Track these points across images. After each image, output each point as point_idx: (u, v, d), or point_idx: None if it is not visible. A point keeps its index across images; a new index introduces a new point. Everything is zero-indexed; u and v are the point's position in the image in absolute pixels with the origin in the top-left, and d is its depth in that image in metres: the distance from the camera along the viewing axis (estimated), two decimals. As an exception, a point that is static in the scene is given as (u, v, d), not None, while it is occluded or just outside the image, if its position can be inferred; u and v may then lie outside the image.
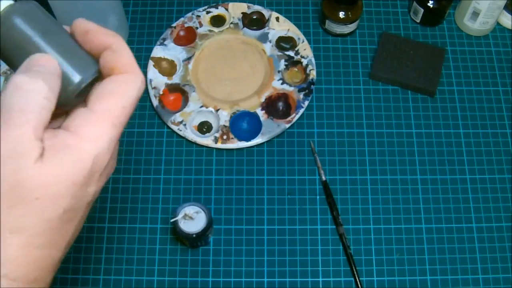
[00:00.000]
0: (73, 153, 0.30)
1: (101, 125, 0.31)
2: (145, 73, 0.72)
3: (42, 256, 0.30)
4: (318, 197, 0.65)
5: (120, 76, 0.32)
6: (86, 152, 0.30)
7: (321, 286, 0.61)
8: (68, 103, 0.33)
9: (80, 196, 0.31)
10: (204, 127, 0.68)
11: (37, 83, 0.29)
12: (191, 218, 0.56)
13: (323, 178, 0.65)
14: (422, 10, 0.74)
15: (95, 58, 0.33)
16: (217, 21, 0.76)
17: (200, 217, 0.57)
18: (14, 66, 0.33)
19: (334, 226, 0.63)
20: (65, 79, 0.32)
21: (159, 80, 0.70)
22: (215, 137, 0.67)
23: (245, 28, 0.74)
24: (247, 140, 0.67)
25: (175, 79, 0.71)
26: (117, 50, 0.32)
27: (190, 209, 0.57)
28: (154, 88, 0.70)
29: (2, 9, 0.32)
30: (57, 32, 0.34)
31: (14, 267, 0.29)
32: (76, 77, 0.32)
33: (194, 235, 0.56)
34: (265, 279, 0.61)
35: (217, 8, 0.76)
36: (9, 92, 0.29)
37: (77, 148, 0.30)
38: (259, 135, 0.67)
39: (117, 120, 0.31)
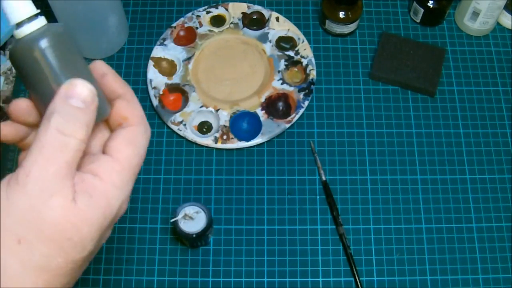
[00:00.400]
0: (105, 199, 0.31)
1: (125, 174, 0.32)
2: (145, 73, 0.72)
3: None
4: (318, 197, 0.65)
5: (136, 128, 0.34)
6: (115, 199, 0.31)
7: (321, 286, 0.61)
8: None
9: (101, 240, 0.32)
10: (204, 127, 0.68)
11: (75, 126, 0.30)
12: (191, 218, 0.56)
13: (323, 178, 0.65)
14: (422, 10, 0.74)
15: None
16: (217, 21, 0.76)
17: (200, 217, 0.57)
18: (30, 86, 0.32)
19: (334, 226, 0.63)
20: None
21: (159, 80, 0.70)
22: (215, 137, 0.67)
23: (245, 28, 0.74)
24: (247, 140, 0.67)
25: (175, 79, 0.71)
26: (131, 101, 0.34)
27: (190, 209, 0.57)
28: (154, 88, 0.70)
29: (36, 28, 0.31)
30: (83, 64, 0.33)
31: None
32: (97, 112, 0.32)
33: (194, 235, 0.56)
34: (265, 279, 0.61)
35: (217, 8, 0.76)
36: (48, 133, 0.29)
37: (107, 194, 0.31)
38: (259, 135, 0.67)
39: (137, 169, 0.33)
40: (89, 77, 0.33)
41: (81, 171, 0.32)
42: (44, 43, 0.31)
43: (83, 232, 0.30)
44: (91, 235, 0.30)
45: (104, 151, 0.33)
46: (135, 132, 0.34)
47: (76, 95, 0.30)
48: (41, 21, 0.32)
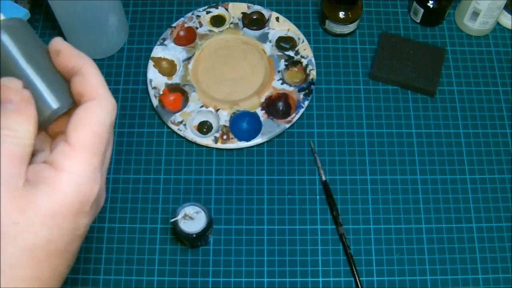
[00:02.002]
0: (51, 185, 0.30)
1: (77, 156, 0.30)
2: (145, 73, 0.72)
3: None
4: (318, 197, 0.65)
5: (89, 104, 0.31)
6: (65, 184, 0.30)
7: (321, 286, 0.61)
8: (42, 127, 0.33)
9: (69, 229, 0.30)
10: (204, 127, 0.68)
11: (12, 126, 0.30)
12: (191, 218, 0.56)
13: (323, 178, 0.65)
14: (422, 10, 0.74)
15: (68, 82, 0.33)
16: (217, 21, 0.76)
17: (200, 217, 0.57)
18: None
19: (334, 226, 0.64)
20: (43, 105, 0.32)
21: (159, 80, 0.70)
22: (215, 137, 0.67)
23: (245, 28, 0.74)
24: (247, 140, 0.67)
25: (175, 79, 0.71)
26: (85, 75, 0.32)
27: (190, 209, 0.57)
28: (154, 88, 0.70)
29: None
30: (40, 54, 0.33)
31: None
32: (54, 104, 0.32)
33: (194, 235, 0.56)
34: (265, 279, 0.61)
35: (217, 8, 0.76)
36: None
37: (54, 180, 0.30)
38: (259, 135, 0.67)
39: (93, 148, 0.31)
40: (47, 67, 0.33)
41: (40, 162, 0.31)
42: (2, 38, 0.31)
43: (27, 217, 0.29)
44: (40, 221, 0.29)
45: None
46: (88, 108, 0.31)
47: (6, 100, 0.30)
48: None
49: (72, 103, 0.33)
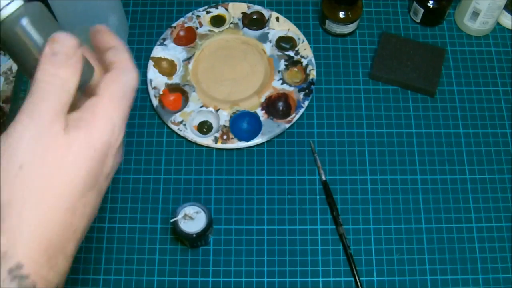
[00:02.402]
0: (91, 125, 0.34)
1: (109, 104, 0.35)
2: (145, 73, 0.72)
3: (65, 221, 0.32)
4: (318, 197, 0.65)
5: (119, 69, 0.38)
6: (102, 124, 0.34)
7: (321, 286, 0.61)
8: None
9: (101, 164, 0.34)
10: (204, 127, 0.68)
11: (60, 70, 0.34)
12: (191, 218, 0.56)
13: (323, 178, 0.65)
14: (422, 10, 0.74)
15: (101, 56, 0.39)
16: (217, 21, 0.76)
17: (200, 217, 0.57)
18: (19, 61, 0.36)
19: (334, 226, 0.63)
20: None
21: (159, 80, 0.70)
22: (215, 137, 0.67)
23: (245, 28, 0.74)
24: (247, 140, 0.67)
25: (175, 79, 0.71)
26: (118, 49, 0.40)
27: (190, 209, 0.57)
28: (154, 88, 0.70)
29: (13, 10, 0.34)
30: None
31: (40, 230, 0.31)
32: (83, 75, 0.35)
33: (194, 235, 0.56)
34: (265, 279, 0.61)
35: (217, 8, 0.76)
36: (37, 78, 0.33)
37: (93, 121, 0.34)
38: (259, 135, 0.67)
39: (120, 102, 0.36)
40: None
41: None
42: (23, 22, 0.35)
43: (75, 153, 0.33)
44: (84, 155, 0.33)
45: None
46: (118, 72, 0.38)
47: (57, 49, 0.34)
48: (18, 2, 0.36)
49: (91, 78, 0.38)
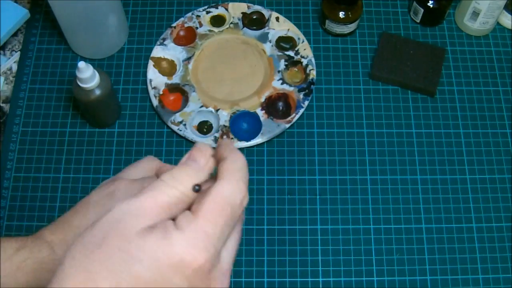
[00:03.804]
0: (168, 237, 0.32)
1: (193, 220, 0.33)
2: (145, 73, 0.72)
3: None
4: (318, 197, 0.65)
5: (220, 181, 0.35)
6: (176, 239, 0.32)
7: (321, 286, 0.61)
8: None
9: (164, 279, 0.32)
10: (204, 127, 0.68)
11: (179, 177, 0.35)
12: None
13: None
14: (422, 10, 0.74)
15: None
16: (217, 21, 0.76)
17: None
18: (92, 113, 0.64)
19: (334, 226, 0.63)
20: None
21: (159, 80, 0.70)
22: (215, 137, 0.67)
23: (245, 28, 0.74)
24: (247, 140, 0.67)
25: (175, 79, 0.71)
26: (228, 159, 0.37)
27: None
28: (154, 88, 0.70)
29: (93, 84, 0.60)
30: (115, 97, 0.59)
31: None
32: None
33: None
34: (265, 279, 0.61)
35: (217, 8, 0.76)
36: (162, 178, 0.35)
37: (170, 233, 0.32)
38: (259, 135, 0.67)
39: (211, 217, 0.33)
40: (117, 104, 0.69)
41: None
42: (97, 92, 0.62)
43: (142, 250, 0.32)
44: (148, 261, 0.31)
45: None
46: (218, 184, 0.34)
47: (194, 158, 0.37)
48: (97, 79, 0.61)
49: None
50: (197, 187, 0.35)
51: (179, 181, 0.35)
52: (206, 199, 0.33)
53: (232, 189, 0.35)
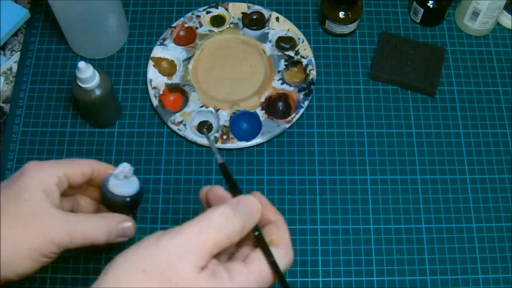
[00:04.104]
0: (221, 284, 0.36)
1: (248, 275, 0.37)
2: (145, 73, 0.72)
3: None
4: (318, 197, 0.65)
5: (278, 249, 0.39)
6: None
7: (321, 286, 0.61)
8: None
9: None
10: (204, 127, 0.68)
11: (237, 220, 0.38)
12: (126, 177, 0.49)
13: (219, 161, 0.46)
14: (422, 10, 0.74)
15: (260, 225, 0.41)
16: (217, 21, 0.76)
17: (133, 179, 0.50)
18: (91, 113, 0.65)
19: (334, 226, 0.63)
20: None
21: (159, 80, 0.70)
22: (215, 137, 0.67)
23: (245, 28, 0.74)
24: (247, 140, 0.67)
25: (175, 79, 0.71)
26: (280, 228, 0.41)
27: (126, 167, 0.49)
28: (154, 88, 0.70)
29: (93, 84, 0.61)
30: (115, 97, 0.63)
31: None
32: None
33: (128, 198, 0.50)
34: (265, 279, 0.61)
35: (217, 8, 0.76)
36: (215, 214, 0.37)
37: (225, 281, 0.36)
38: (259, 135, 0.67)
39: (261, 277, 0.37)
40: (117, 104, 0.69)
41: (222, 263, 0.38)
42: (97, 92, 0.62)
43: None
44: None
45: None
46: (276, 252, 0.39)
47: (247, 205, 0.39)
48: (97, 79, 0.61)
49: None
50: (257, 233, 0.39)
51: (234, 232, 0.38)
52: (263, 262, 0.38)
53: (287, 259, 0.39)
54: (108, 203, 0.50)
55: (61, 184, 0.47)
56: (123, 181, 0.49)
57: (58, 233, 0.44)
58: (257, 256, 0.38)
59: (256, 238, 0.39)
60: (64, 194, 0.49)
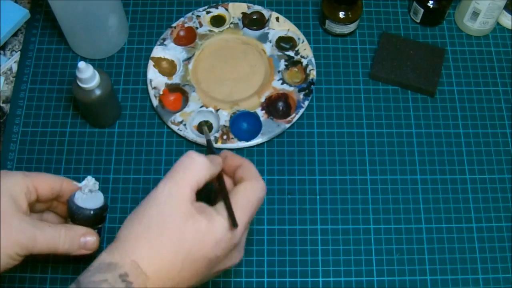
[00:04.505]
0: (211, 219, 0.44)
1: (239, 212, 0.45)
2: (145, 73, 0.72)
3: (168, 273, 0.43)
4: (318, 197, 0.65)
5: (247, 182, 0.47)
6: (218, 221, 0.44)
7: (321, 286, 0.61)
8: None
9: (208, 251, 0.43)
10: (204, 127, 0.68)
11: (204, 159, 0.47)
12: (90, 191, 0.52)
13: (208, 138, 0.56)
14: (422, 10, 0.74)
15: (231, 174, 0.50)
16: (217, 21, 0.76)
17: (98, 194, 0.53)
18: (90, 113, 0.67)
19: (334, 226, 0.63)
20: None
21: (159, 80, 0.70)
22: (215, 137, 0.67)
23: (245, 28, 0.74)
24: (247, 140, 0.67)
25: (175, 79, 0.71)
26: (245, 166, 0.49)
27: (91, 181, 0.52)
28: (154, 88, 0.70)
29: (93, 84, 0.61)
30: (115, 96, 0.65)
31: None
32: None
33: (92, 212, 0.52)
34: (265, 279, 0.61)
35: (217, 8, 0.76)
36: (183, 158, 0.46)
37: (213, 216, 0.44)
38: (259, 135, 0.67)
39: (242, 209, 0.45)
40: (117, 104, 0.69)
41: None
42: (97, 92, 0.62)
43: (194, 226, 0.44)
44: (199, 236, 0.43)
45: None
46: (246, 184, 0.47)
47: (216, 159, 0.49)
48: (97, 79, 0.60)
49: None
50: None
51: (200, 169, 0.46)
52: (242, 194, 0.45)
53: (261, 188, 0.47)
54: (73, 216, 0.52)
55: (30, 194, 0.50)
56: (88, 195, 0.52)
57: (24, 235, 0.46)
58: (232, 194, 0.46)
59: (218, 180, 0.49)
60: (33, 210, 0.52)
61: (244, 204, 0.45)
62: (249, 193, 0.46)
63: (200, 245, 0.43)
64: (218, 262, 0.45)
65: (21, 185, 0.49)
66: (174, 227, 0.42)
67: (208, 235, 0.43)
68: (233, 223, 0.44)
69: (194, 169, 0.45)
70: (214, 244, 0.43)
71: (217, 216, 0.44)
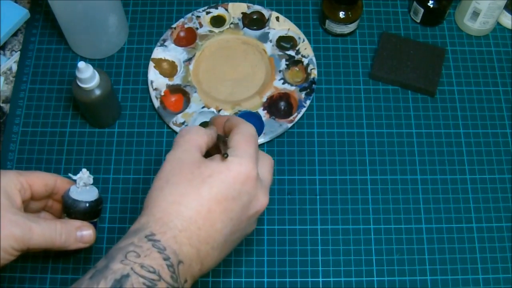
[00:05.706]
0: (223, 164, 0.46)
1: (236, 149, 0.47)
2: (145, 73, 0.72)
3: (198, 228, 0.44)
4: (318, 197, 0.65)
5: (238, 125, 0.50)
6: (232, 162, 0.46)
7: (321, 286, 0.61)
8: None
9: (231, 190, 0.45)
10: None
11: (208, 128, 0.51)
12: (85, 185, 0.53)
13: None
14: (422, 10, 0.74)
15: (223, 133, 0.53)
16: (217, 21, 0.76)
17: (92, 189, 0.54)
18: (90, 113, 0.66)
19: (334, 226, 0.64)
20: None
21: (160, 81, 0.70)
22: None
23: (245, 28, 0.74)
24: (248, 140, 0.67)
25: (176, 80, 0.71)
26: (231, 119, 0.52)
27: (85, 174, 0.53)
28: (155, 89, 0.70)
29: (93, 84, 0.61)
30: (114, 95, 0.67)
31: None
32: None
33: (87, 204, 0.53)
34: (265, 279, 0.61)
35: (217, 8, 0.76)
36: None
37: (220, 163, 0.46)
38: (261, 135, 0.67)
39: (245, 144, 0.47)
40: (117, 104, 0.69)
41: None
42: (97, 92, 0.62)
43: (210, 169, 0.46)
44: (219, 178, 0.46)
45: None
46: (238, 127, 0.49)
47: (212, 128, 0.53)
48: (97, 79, 0.60)
49: None
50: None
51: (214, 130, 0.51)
52: (239, 136, 0.48)
53: (251, 128, 0.49)
54: (69, 210, 0.53)
55: (24, 191, 0.50)
56: (83, 188, 0.53)
57: (18, 227, 0.46)
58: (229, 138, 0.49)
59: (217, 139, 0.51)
60: (29, 209, 0.52)
61: (243, 138, 0.47)
62: (243, 130, 0.48)
63: (218, 185, 0.44)
64: (244, 202, 0.46)
65: (15, 182, 0.49)
66: (189, 174, 0.44)
67: (224, 173, 0.44)
68: (223, 154, 0.46)
69: (195, 133, 0.48)
70: (232, 180, 0.44)
71: (228, 158, 0.46)
